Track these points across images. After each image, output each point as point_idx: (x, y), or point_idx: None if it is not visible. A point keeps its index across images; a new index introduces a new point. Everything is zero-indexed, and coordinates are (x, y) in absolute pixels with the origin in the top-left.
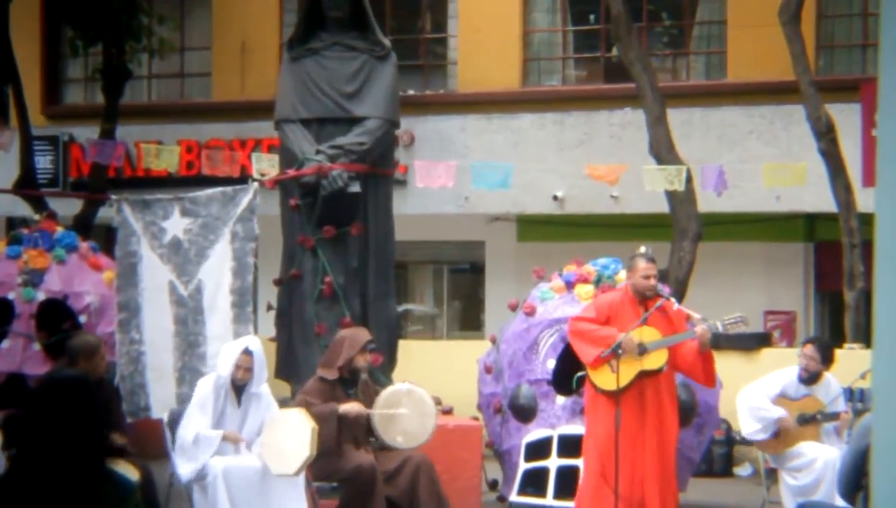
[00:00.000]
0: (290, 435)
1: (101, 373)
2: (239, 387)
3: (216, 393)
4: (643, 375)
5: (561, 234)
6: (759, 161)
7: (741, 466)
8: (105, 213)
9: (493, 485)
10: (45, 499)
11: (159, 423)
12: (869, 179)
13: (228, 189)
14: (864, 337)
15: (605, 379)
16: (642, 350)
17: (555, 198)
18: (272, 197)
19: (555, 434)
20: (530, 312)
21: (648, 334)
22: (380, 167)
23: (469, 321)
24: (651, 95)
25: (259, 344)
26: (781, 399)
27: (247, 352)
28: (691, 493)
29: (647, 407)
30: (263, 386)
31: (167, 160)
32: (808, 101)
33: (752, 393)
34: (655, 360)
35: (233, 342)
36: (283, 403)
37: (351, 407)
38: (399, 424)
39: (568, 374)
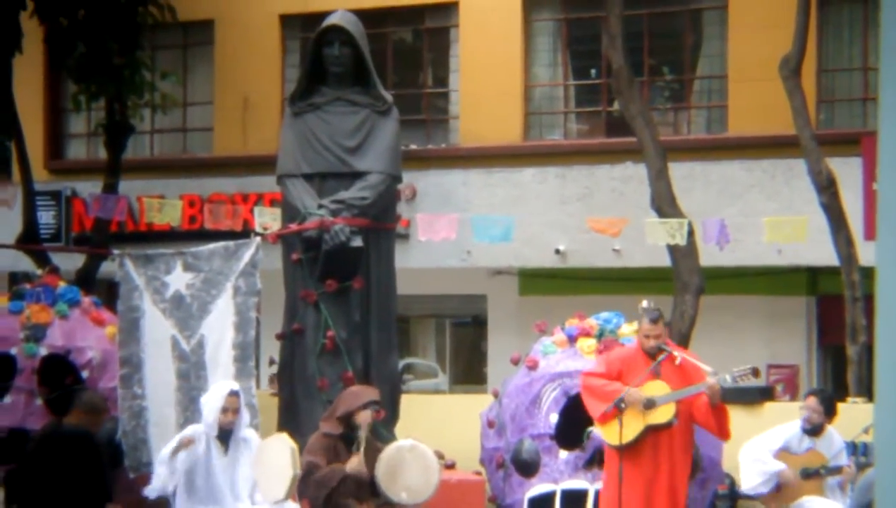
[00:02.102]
0: (273, 462)
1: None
2: (225, 434)
3: (198, 442)
4: (652, 430)
5: (563, 288)
6: (761, 214)
7: None
8: (107, 268)
9: None
10: None
11: None
12: (870, 233)
13: (231, 243)
14: (867, 391)
15: (612, 433)
16: (650, 404)
17: (557, 251)
18: (274, 251)
19: (558, 488)
20: (533, 366)
21: (658, 388)
22: (382, 221)
23: (471, 375)
24: (652, 149)
25: (237, 384)
26: (784, 453)
27: (233, 394)
28: None
29: (661, 462)
30: (249, 431)
31: (169, 214)
32: (809, 155)
33: (754, 448)
34: (663, 414)
35: (212, 391)
36: None
37: (355, 465)
38: (403, 480)
39: (571, 428)
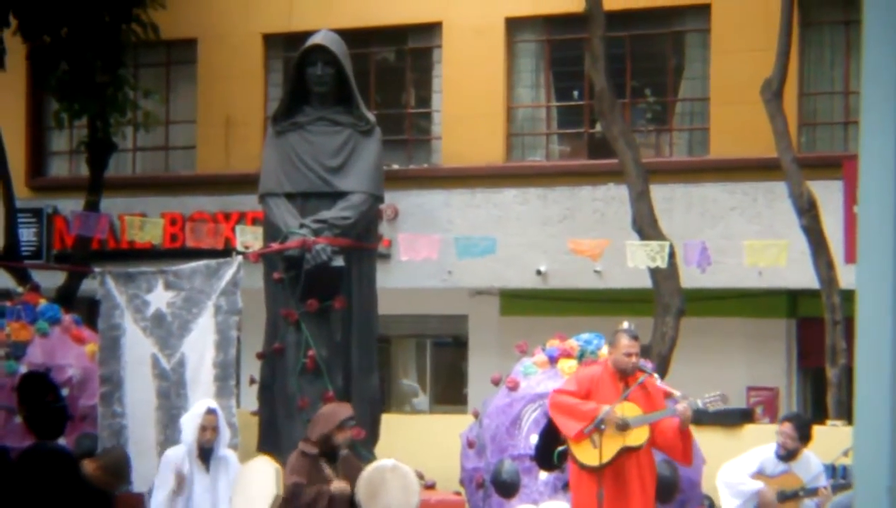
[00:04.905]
0: (256, 483)
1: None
2: (206, 452)
3: (181, 463)
4: (625, 451)
5: (544, 309)
6: (742, 237)
7: None
8: (88, 286)
9: None
10: None
11: (140, 498)
12: (851, 256)
13: (212, 262)
14: (847, 414)
15: (587, 454)
16: (624, 426)
17: (538, 272)
18: (256, 270)
19: None
20: (513, 387)
21: (629, 410)
22: (364, 241)
23: (452, 395)
24: (634, 171)
25: (216, 403)
26: (759, 476)
27: (210, 412)
28: None
29: (631, 483)
30: (228, 450)
31: (151, 232)
32: (791, 178)
33: (730, 471)
34: (638, 437)
35: (191, 411)
36: None
37: (338, 488)
38: (383, 500)
39: (551, 449)
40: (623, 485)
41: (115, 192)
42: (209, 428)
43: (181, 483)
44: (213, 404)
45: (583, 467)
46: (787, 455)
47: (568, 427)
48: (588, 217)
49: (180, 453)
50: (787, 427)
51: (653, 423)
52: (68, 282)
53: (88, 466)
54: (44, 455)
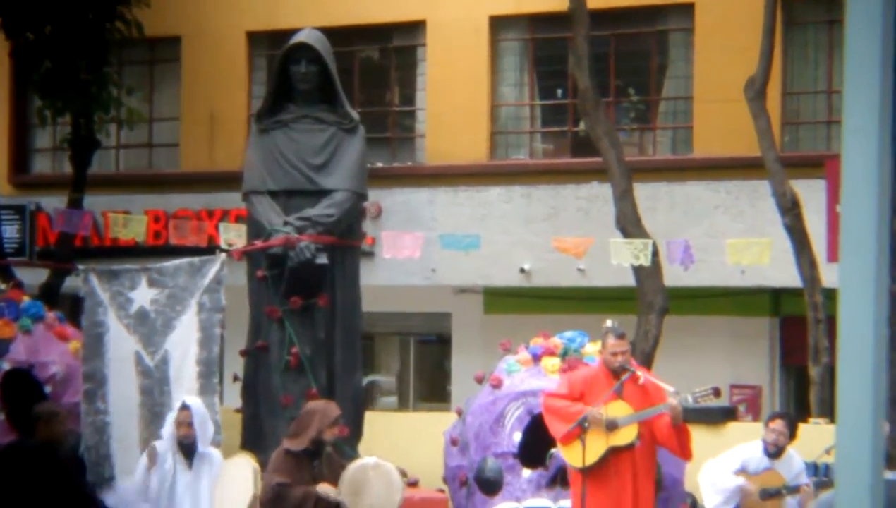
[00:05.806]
0: (234, 481)
1: (59, 439)
2: (188, 449)
3: (163, 457)
4: (615, 451)
5: (528, 307)
6: (725, 235)
7: None
8: (72, 283)
9: None
10: None
11: None
12: (833, 255)
13: (196, 259)
14: (829, 412)
15: (575, 455)
16: (612, 425)
17: (522, 270)
18: (239, 268)
19: (520, 507)
20: (496, 385)
21: (620, 409)
22: (347, 239)
23: (435, 393)
24: (618, 169)
25: (197, 400)
26: (742, 474)
27: (184, 408)
28: None
29: (624, 483)
30: (214, 450)
31: (134, 230)
32: (774, 177)
33: (713, 469)
34: (625, 436)
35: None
36: None
37: (326, 491)
38: (366, 498)
39: (534, 447)
40: (612, 485)
41: (98, 189)
42: (183, 424)
43: (152, 458)
44: (190, 400)
45: (572, 468)
46: (777, 451)
47: (556, 429)
48: (572, 215)
49: (164, 448)
50: (780, 424)
51: (648, 420)
52: (51, 279)
53: (40, 435)
54: (26, 451)
